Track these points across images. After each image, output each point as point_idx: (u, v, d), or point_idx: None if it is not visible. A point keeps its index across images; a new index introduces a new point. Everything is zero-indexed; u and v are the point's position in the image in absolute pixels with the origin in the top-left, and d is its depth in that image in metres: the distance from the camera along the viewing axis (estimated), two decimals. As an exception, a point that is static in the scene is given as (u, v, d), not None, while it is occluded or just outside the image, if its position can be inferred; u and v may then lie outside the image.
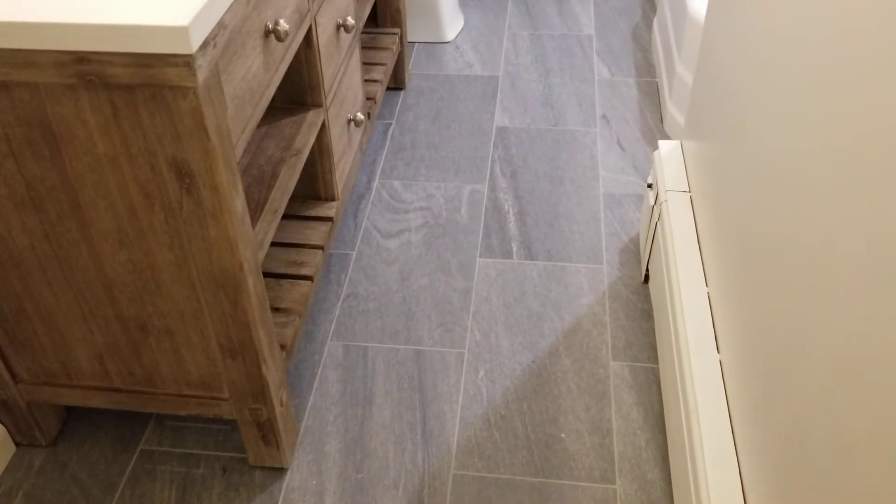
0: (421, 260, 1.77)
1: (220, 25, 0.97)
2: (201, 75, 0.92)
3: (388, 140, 2.15)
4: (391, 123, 2.21)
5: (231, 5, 1.00)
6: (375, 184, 2.00)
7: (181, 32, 0.87)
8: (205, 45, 0.93)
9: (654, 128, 2.14)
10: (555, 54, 2.47)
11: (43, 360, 1.28)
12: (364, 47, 2.18)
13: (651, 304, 1.63)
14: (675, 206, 1.46)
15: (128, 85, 0.93)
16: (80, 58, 0.91)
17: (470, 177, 2.01)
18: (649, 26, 2.59)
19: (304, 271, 1.51)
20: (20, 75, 0.94)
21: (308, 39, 1.43)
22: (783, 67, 0.98)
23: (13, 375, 1.31)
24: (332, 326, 1.63)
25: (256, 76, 1.15)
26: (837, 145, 0.78)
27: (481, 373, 1.52)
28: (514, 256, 1.77)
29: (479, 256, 1.78)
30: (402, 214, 1.90)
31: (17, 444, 1.43)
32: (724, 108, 1.27)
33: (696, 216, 1.42)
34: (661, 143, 1.61)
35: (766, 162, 1.02)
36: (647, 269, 1.64)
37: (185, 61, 0.90)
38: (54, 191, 1.05)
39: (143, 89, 0.94)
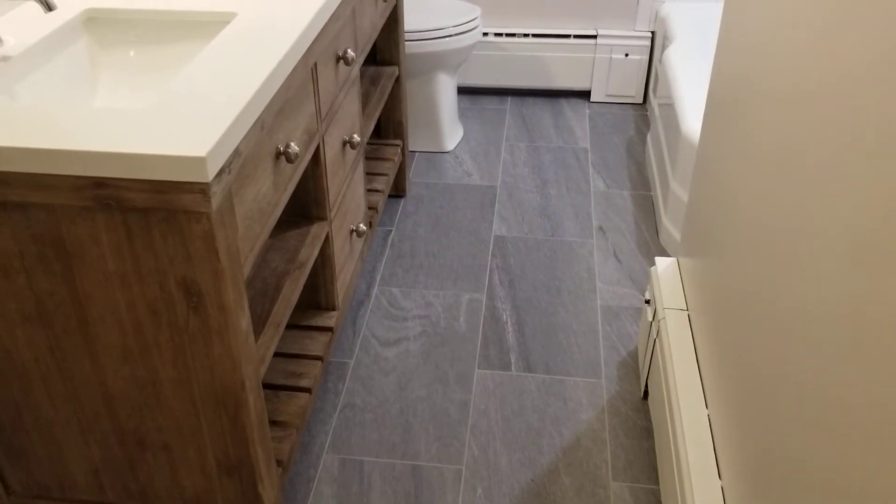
0: (419, 370, 1.77)
1: (236, 153, 1.01)
2: (215, 202, 0.96)
3: (388, 247, 2.18)
4: (391, 230, 2.25)
5: (247, 133, 1.04)
6: (375, 290, 2.02)
7: (199, 163, 0.91)
8: (220, 172, 0.96)
9: (650, 240, 2.18)
10: (551, 166, 2.54)
11: (37, 473, 1.26)
12: (367, 157, 2.25)
13: (651, 422, 1.62)
14: (672, 325, 1.47)
15: (143, 208, 0.96)
16: (99, 183, 0.94)
17: (468, 285, 2.03)
18: (643, 141, 2.68)
19: (303, 383, 1.51)
20: (38, 197, 0.96)
21: (316, 157, 1.47)
22: (779, 190, 1.02)
23: (6, 487, 1.29)
24: (329, 438, 1.61)
25: (266, 196, 1.19)
26: (835, 267, 0.81)
27: (479, 491, 1.50)
28: (513, 368, 1.77)
29: (478, 368, 1.78)
30: (401, 322, 1.91)
31: (1, 560, 1.39)
32: (719, 229, 1.31)
33: (695, 335, 1.43)
34: (658, 259, 1.65)
35: (762, 284, 1.05)
36: (647, 386, 1.64)
37: (201, 188, 0.93)
38: (63, 306, 1.07)
39: (158, 213, 0.97)
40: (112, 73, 1.34)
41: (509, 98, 2.96)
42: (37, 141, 0.93)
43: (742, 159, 1.20)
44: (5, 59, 1.16)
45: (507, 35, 2.85)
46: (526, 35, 2.85)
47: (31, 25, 1.26)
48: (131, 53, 1.36)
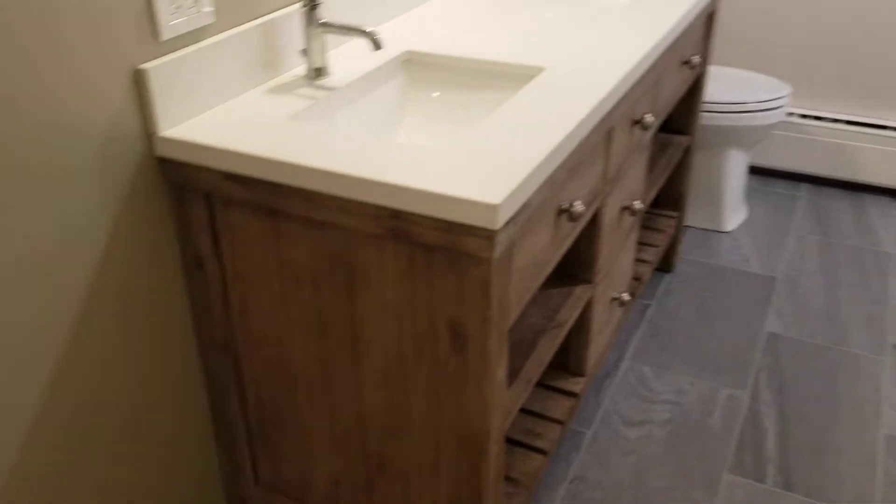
0: (661, 459, 1.65)
1: (526, 205, 1.00)
2: (498, 250, 0.96)
3: (645, 321, 2.08)
4: (650, 304, 2.15)
5: (538, 187, 1.03)
6: (624, 364, 1.93)
7: (491, 210, 0.92)
8: (508, 222, 0.96)
9: (958, 371, 1.87)
10: (846, 266, 2.29)
11: (285, 471, 1.34)
12: (640, 226, 2.18)
13: (933, 586, 1.36)
14: (984, 480, 1.23)
15: (429, 245, 0.99)
16: (395, 214, 0.98)
17: (729, 380, 1.87)
18: (963, 254, 2.32)
19: (540, 444, 1.47)
20: (340, 219, 1.03)
21: (594, 219, 1.44)
22: None
23: (256, 477, 1.39)
24: (555, 507, 1.55)
25: (543, 251, 1.17)
26: None
27: None
28: (768, 482, 1.59)
29: (727, 471, 1.62)
30: (648, 404, 1.81)
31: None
32: None
33: None
34: (973, 397, 1.39)
35: None
36: (934, 543, 1.38)
37: (487, 235, 0.94)
38: (339, 323, 1.13)
39: (442, 251, 0.99)
40: (418, 112, 1.42)
41: (804, 185, 2.73)
42: (348, 167, 1.00)
43: None
44: (331, 89, 1.27)
45: (815, 118, 2.64)
46: (836, 120, 2.62)
47: (357, 61, 1.38)
48: (438, 94, 1.43)
